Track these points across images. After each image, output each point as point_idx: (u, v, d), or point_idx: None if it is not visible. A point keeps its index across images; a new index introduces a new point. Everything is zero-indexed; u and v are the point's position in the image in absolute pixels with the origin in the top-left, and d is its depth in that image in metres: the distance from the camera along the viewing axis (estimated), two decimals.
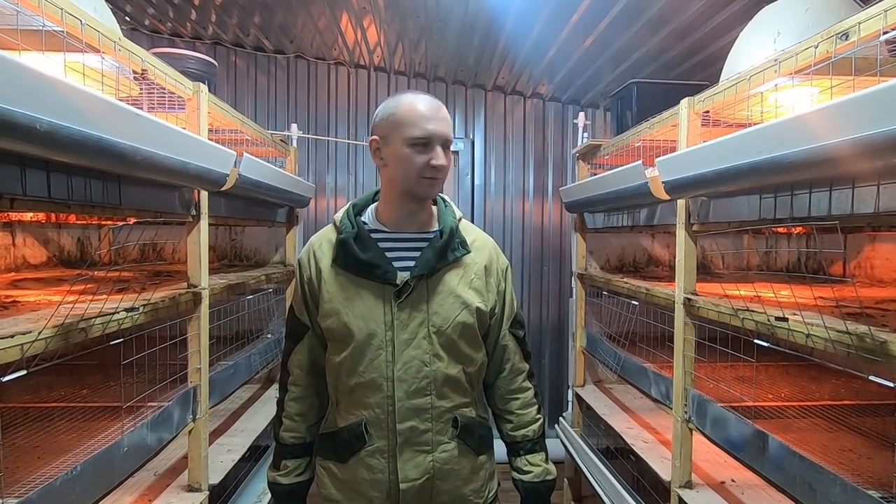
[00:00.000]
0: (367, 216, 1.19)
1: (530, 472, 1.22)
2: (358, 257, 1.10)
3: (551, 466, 1.26)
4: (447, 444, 1.12)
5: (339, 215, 1.18)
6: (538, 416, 1.26)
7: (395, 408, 1.09)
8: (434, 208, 1.21)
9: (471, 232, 1.20)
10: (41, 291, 1.65)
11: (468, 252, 1.16)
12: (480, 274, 1.16)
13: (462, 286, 1.13)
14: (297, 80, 3.67)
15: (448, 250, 1.13)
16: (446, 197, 1.24)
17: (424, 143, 1.07)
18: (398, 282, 1.09)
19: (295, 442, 1.21)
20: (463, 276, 1.14)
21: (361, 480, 1.12)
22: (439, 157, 1.08)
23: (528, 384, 1.26)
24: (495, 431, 1.26)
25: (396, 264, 1.11)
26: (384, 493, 1.11)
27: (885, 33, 1.01)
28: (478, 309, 1.13)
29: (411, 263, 1.11)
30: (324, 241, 1.18)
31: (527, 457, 1.23)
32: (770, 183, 1.25)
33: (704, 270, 2.69)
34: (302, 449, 1.22)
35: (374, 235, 1.14)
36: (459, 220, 1.19)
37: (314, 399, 1.23)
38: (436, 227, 1.17)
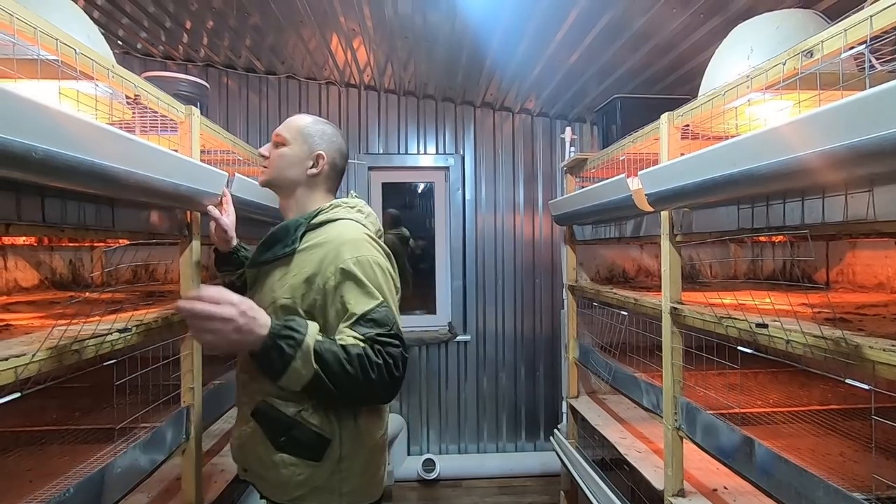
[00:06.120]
0: None
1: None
2: None
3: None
4: (249, 421, 1.23)
5: None
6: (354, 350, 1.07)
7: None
8: (316, 207, 1.30)
9: (323, 233, 1.23)
10: (33, 314, 1.65)
11: (292, 250, 1.23)
12: (302, 273, 1.19)
13: (278, 282, 1.22)
14: (289, 99, 3.72)
15: (272, 246, 1.26)
16: (344, 201, 1.32)
17: None
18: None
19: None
20: (286, 274, 1.22)
21: None
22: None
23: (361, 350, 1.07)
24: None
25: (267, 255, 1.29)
26: None
27: (849, 49, 1.06)
28: (283, 307, 1.19)
29: None
30: None
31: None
32: (745, 194, 1.29)
33: (693, 280, 2.73)
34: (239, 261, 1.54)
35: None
36: (321, 221, 1.25)
37: None
38: None
